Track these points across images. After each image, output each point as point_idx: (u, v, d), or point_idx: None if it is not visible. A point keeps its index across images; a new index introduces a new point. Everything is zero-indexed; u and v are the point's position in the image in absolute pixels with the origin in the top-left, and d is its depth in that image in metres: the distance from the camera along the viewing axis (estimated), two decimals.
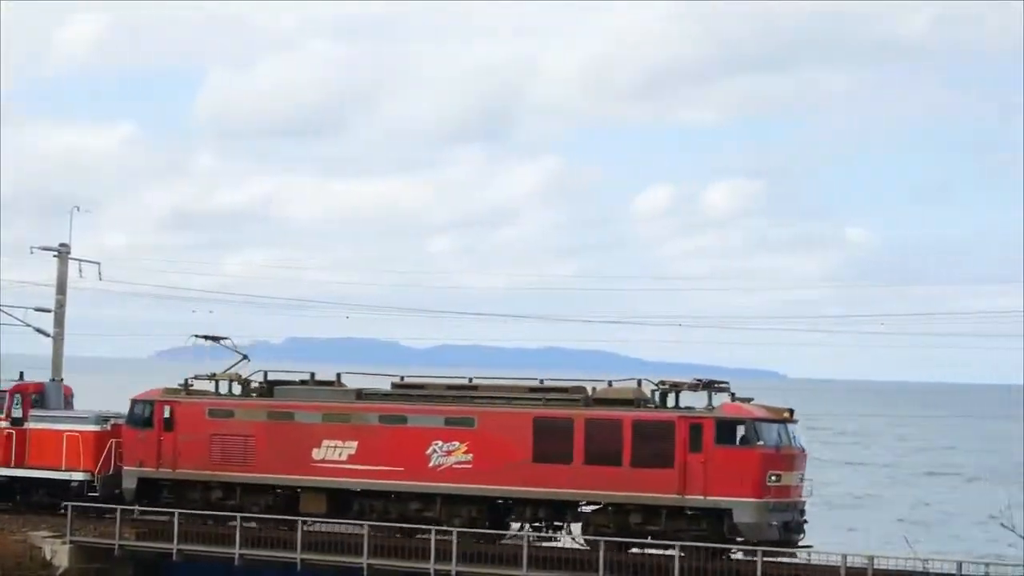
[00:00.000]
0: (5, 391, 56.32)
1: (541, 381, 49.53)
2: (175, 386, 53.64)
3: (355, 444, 49.81)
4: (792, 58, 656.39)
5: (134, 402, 53.59)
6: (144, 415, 53.11)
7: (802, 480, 46.33)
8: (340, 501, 50.29)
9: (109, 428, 54.92)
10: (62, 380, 58.04)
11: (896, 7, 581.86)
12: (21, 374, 58.20)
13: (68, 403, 57.49)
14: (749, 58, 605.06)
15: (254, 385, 52.81)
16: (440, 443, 48.62)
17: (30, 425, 55.83)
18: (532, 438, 47.42)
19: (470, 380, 50.59)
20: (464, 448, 48.34)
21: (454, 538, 46.09)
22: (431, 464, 48.68)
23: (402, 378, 51.59)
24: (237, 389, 53.12)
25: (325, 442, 50.25)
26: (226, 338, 55.18)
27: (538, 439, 47.36)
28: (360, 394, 50.90)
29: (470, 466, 48.21)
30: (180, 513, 50.85)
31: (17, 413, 55.96)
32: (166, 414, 52.74)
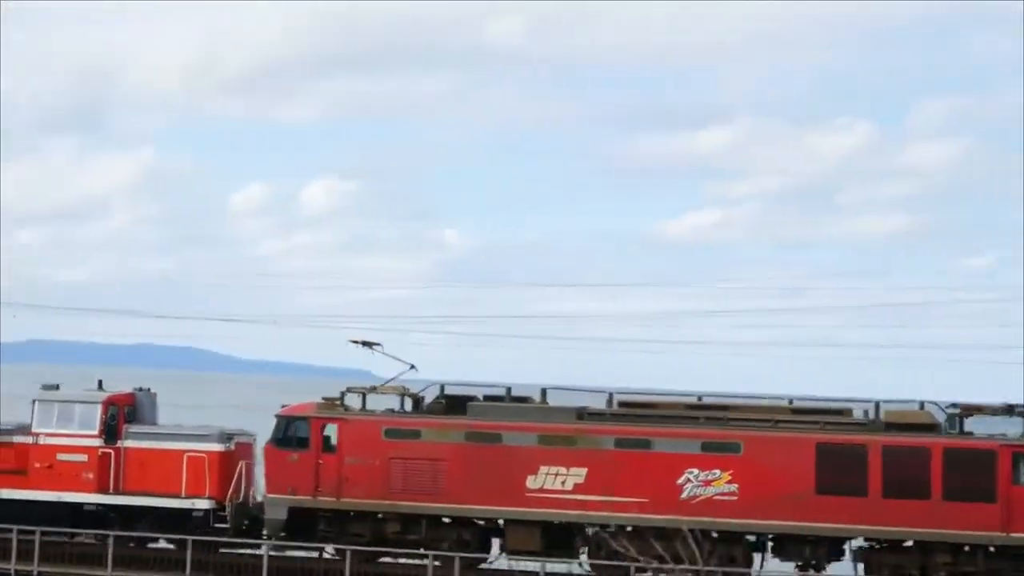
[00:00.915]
0: (91, 402, 47.24)
1: (790, 401, 43.82)
2: (327, 400, 45.78)
3: (583, 471, 43.02)
4: (389, 60, 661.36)
5: (282, 419, 45.47)
6: (297, 434, 45.11)
7: None
8: (556, 536, 43.45)
9: (234, 447, 46.66)
10: (149, 389, 49.16)
11: (490, 12, 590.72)
12: (100, 382, 49.12)
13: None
14: (346, 59, 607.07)
15: (429, 400, 45.41)
16: (696, 471, 42.33)
17: (128, 443, 46.93)
18: (815, 466, 41.62)
19: (699, 398, 44.55)
20: (727, 477, 42.16)
21: None
22: (684, 495, 42.33)
23: (610, 395, 45.06)
24: (394, 403, 45.81)
25: (543, 468, 43.30)
26: (379, 344, 47.42)
27: (822, 468, 41.58)
28: (583, 414, 44.06)
29: (735, 498, 42.07)
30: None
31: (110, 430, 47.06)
32: (328, 433, 44.89)
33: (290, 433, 45.20)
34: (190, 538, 44.72)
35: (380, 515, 44.35)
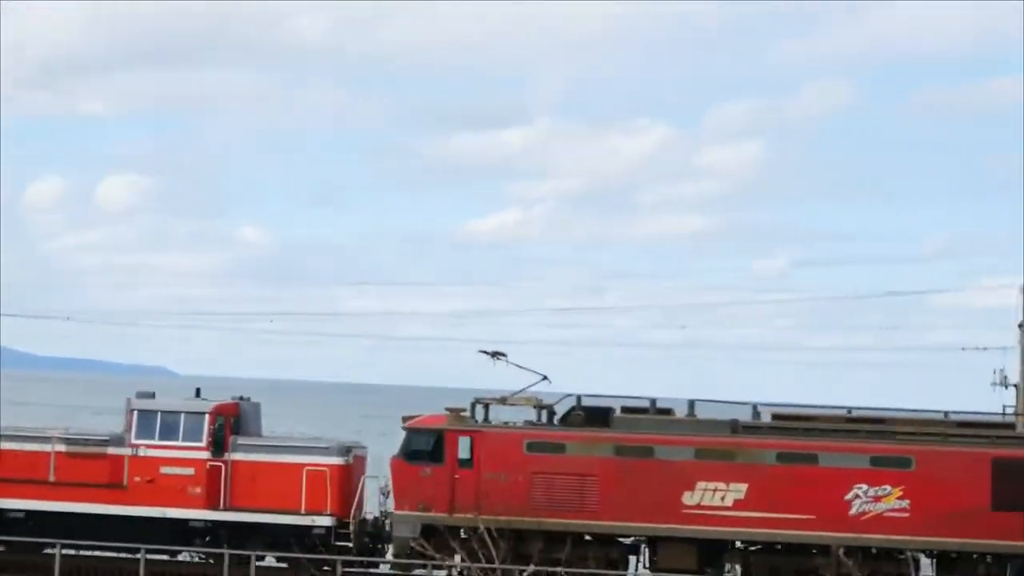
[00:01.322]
0: (197, 412, 44.39)
1: (946, 414, 42.54)
2: (452, 411, 43.48)
3: (743, 487, 41.29)
4: (191, 56, 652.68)
5: (413, 431, 43.09)
6: (429, 447, 42.78)
7: None
8: (711, 554, 41.70)
9: (352, 461, 44.19)
10: (250, 398, 46.45)
11: (297, 8, 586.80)
12: (198, 391, 46.24)
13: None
14: (147, 54, 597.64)
15: (562, 412, 43.35)
16: (865, 487, 40.82)
17: (237, 456, 44.19)
18: (991, 482, 40.35)
19: (849, 411, 43.12)
20: (898, 493, 40.72)
21: None
22: (852, 511, 40.80)
23: (755, 407, 43.42)
24: (526, 415, 43.72)
25: (700, 484, 41.49)
26: (503, 354, 45.14)
27: (998, 483, 40.33)
28: (737, 427, 42.32)
29: (906, 514, 40.64)
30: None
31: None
32: (463, 447, 42.61)
33: (421, 447, 42.88)
34: (309, 556, 42.32)
35: (522, 533, 42.19)
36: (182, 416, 44.29)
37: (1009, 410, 45.86)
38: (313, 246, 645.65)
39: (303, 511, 43.34)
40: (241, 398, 45.81)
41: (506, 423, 43.53)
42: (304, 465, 43.55)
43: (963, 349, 51.99)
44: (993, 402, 47.58)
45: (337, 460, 43.68)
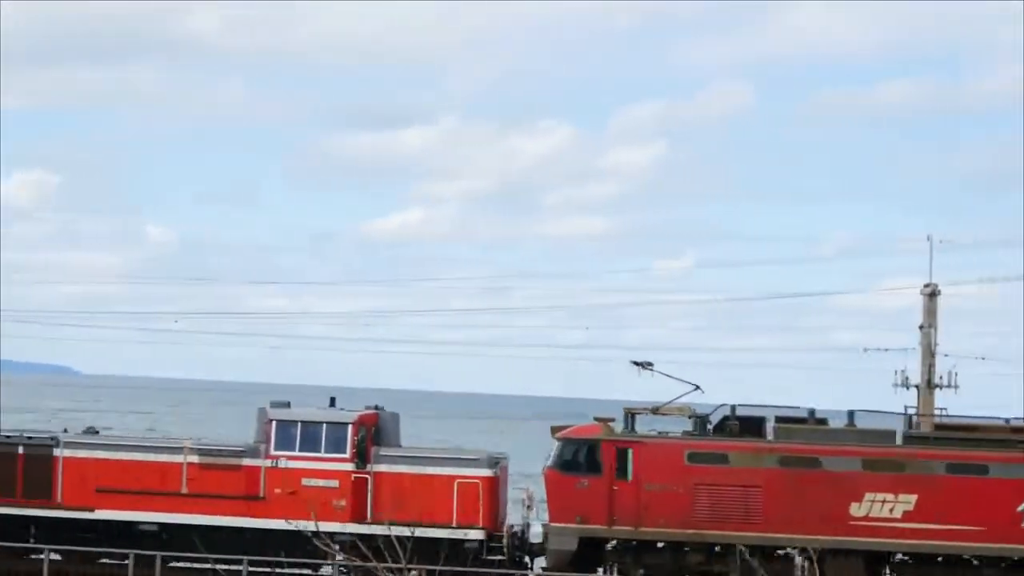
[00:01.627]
0: (340, 422, 43.26)
1: None
2: (600, 420, 42.75)
3: (913, 498, 40.86)
4: (94, 52, 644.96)
5: (568, 442, 42.27)
6: (585, 458, 41.98)
7: None
8: (877, 566, 41.27)
9: (500, 472, 43.30)
10: (383, 407, 45.34)
11: (198, 5, 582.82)
12: (333, 399, 45.09)
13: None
14: (50, 50, 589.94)
15: (715, 421, 42.73)
16: None
17: (381, 467, 43.12)
18: None
19: (1007, 421, 42.81)
20: None
21: None
22: None
23: (909, 417, 43.01)
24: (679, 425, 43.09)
25: (867, 495, 41.00)
26: (651, 364, 44.37)
27: None
28: (910, 437, 41.88)
29: None
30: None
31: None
32: (621, 457, 41.84)
33: (577, 457, 42.07)
34: (459, 570, 41.38)
35: (683, 545, 41.53)
36: (324, 426, 43.18)
37: (911, 410, 46.42)
38: (219, 244, 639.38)
39: (454, 524, 42.39)
40: (377, 407, 44.78)
41: (662, 433, 42.85)
42: (455, 477, 42.58)
43: (865, 350, 52.36)
44: (895, 403, 48.27)
45: (487, 472, 42.78)
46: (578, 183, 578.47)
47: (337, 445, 42.92)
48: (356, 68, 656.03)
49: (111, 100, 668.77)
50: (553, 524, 41.96)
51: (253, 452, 43.49)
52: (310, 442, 43.06)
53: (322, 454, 42.95)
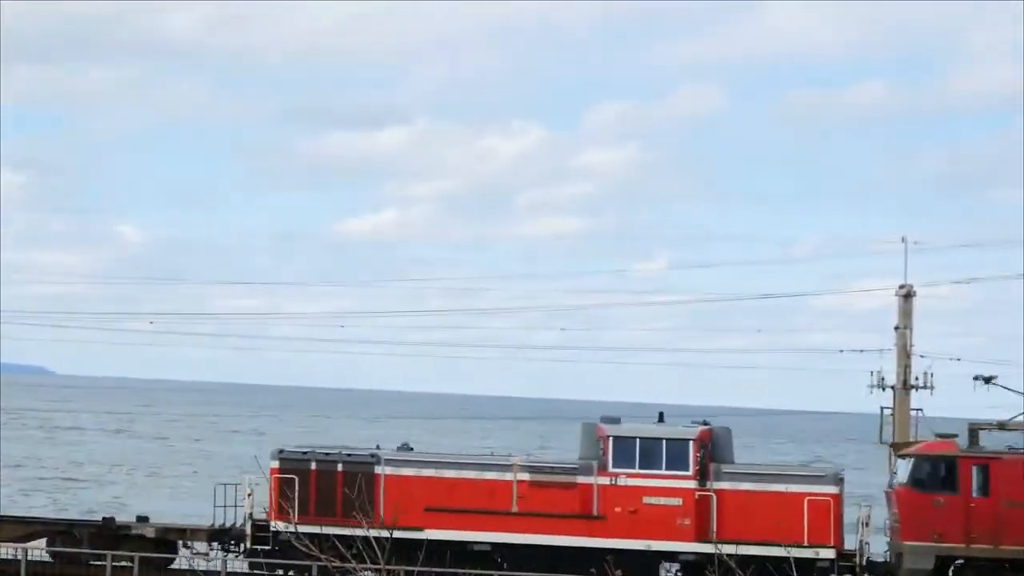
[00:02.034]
0: (681, 439, 42.28)
1: None
2: (942, 437, 42.09)
3: None
4: (61, 50, 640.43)
5: (921, 458, 41.56)
6: (941, 475, 41.29)
7: None
8: None
9: (843, 488, 42.51)
10: (708, 422, 44.37)
11: (168, 7, 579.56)
12: (661, 415, 43.99)
13: None
14: (16, 47, 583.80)
15: None
16: None
17: (722, 484, 42.17)
18: None
19: None
20: None
21: None
22: None
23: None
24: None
25: None
26: (994, 377, 43.75)
27: None
28: None
29: None
30: None
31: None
32: (978, 474, 41.17)
33: (932, 475, 41.39)
34: None
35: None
36: (664, 443, 42.22)
37: (887, 412, 46.58)
38: (189, 245, 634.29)
39: (806, 543, 41.54)
40: (705, 422, 43.86)
41: (1016, 449, 42.24)
42: (805, 494, 41.72)
43: (841, 351, 52.56)
44: (871, 404, 48.66)
45: (835, 489, 41.97)
46: (551, 184, 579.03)
47: (678, 462, 41.98)
48: (327, 68, 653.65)
49: (79, 99, 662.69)
50: (910, 543, 41.22)
51: (587, 469, 42.48)
52: (650, 459, 42.11)
53: (663, 471, 42.01)
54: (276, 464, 43.47)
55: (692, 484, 41.91)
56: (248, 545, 43.25)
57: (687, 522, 41.83)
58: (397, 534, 42.31)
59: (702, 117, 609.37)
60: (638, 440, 42.29)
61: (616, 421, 43.25)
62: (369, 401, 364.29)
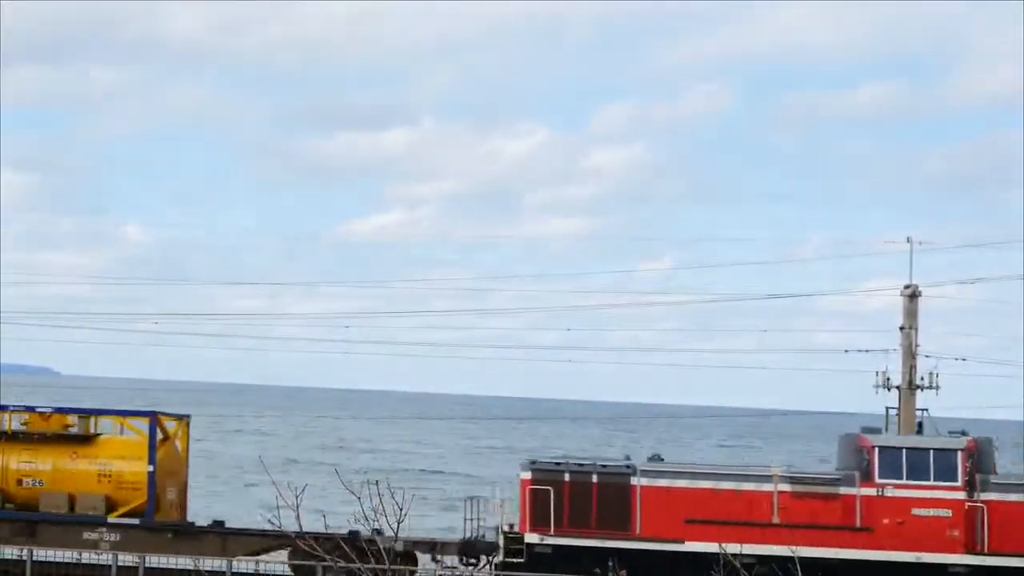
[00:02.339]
0: (950, 448, 41.47)
1: None
2: None
3: None
4: (66, 50, 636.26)
5: None
6: None
7: None
8: None
9: None
10: (967, 432, 43.55)
11: (174, 8, 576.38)
12: (920, 425, 43.24)
13: None
14: (21, 48, 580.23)
15: None
16: None
17: (990, 495, 41.37)
18: None
19: None
20: None
21: None
22: None
23: None
24: None
25: None
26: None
27: None
28: None
29: None
30: None
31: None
32: None
33: None
34: None
35: None
36: (931, 453, 41.44)
37: (892, 412, 46.40)
38: (193, 245, 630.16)
39: None
40: (963, 432, 43.05)
41: None
42: None
43: (846, 351, 52.37)
44: (876, 404, 48.58)
45: None
46: (557, 184, 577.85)
47: (947, 473, 41.22)
48: (332, 69, 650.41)
49: (85, 100, 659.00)
50: None
51: (849, 480, 41.68)
52: (918, 470, 41.34)
53: (932, 482, 41.24)
54: (528, 475, 42.57)
55: (961, 495, 41.14)
56: (501, 558, 42.35)
57: (956, 534, 41.06)
58: (656, 546, 41.92)
59: (709, 118, 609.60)
60: (905, 451, 41.53)
61: (876, 431, 42.51)
62: (369, 401, 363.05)
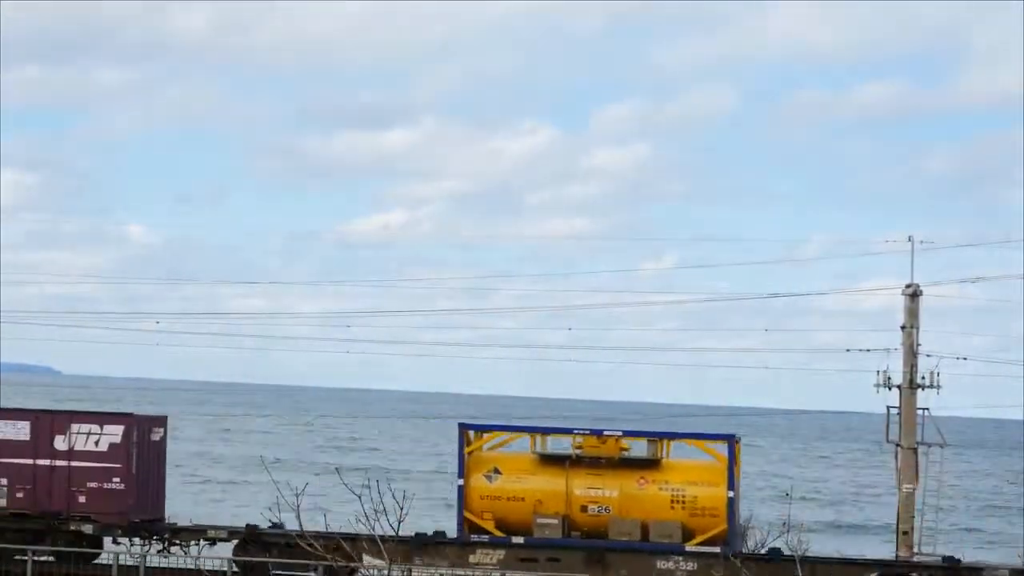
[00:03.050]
0: None
1: None
2: None
3: None
4: (69, 50, 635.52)
5: None
6: None
7: None
8: None
9: None
10: None
11: (176, 7, 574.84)
12: None
13: None
14: (26, 47, 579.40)
15: None
16: None
17: None
18: None
19: None
20: None
21: None
22: None
23: None
24: None
25: None
26: None
27: None
28: None
29: None
30: None
31: None
32: None
33: None
34: None
35: None
36: None
37: (894, 411, 46.47)
38: (197, 244, 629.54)
39: None
40: None
41: None
42: None
43: (847, 350, 52.56)
44: (877, 403, 48.65)
45: None
46: (560, 184, 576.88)
47: None
48: (335, 68, 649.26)
49: (90, 100, 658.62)
50: None
51: None
52: None
53: None
54: None
55: None
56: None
57: None
58: None
59: (712, 117, 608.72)
60: None
61: None
62: (369, 401, 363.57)
